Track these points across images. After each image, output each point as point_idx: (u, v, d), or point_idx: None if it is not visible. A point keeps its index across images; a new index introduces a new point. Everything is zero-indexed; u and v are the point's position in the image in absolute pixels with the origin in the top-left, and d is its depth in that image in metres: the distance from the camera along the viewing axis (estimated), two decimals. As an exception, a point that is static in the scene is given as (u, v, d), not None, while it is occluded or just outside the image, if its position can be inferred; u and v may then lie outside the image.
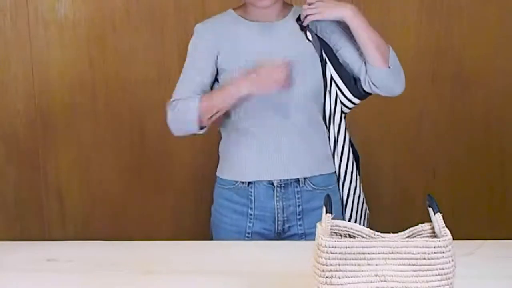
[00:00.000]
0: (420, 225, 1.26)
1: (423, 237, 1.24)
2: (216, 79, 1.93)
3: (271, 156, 1.90)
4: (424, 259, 1.16)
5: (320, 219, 1.25)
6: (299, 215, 1.93)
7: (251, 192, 1.93)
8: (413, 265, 1.16)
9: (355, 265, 1.16)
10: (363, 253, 1.16)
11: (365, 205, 2.04)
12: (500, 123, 2.82)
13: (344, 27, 1.89)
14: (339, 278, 1.16)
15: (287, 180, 1.91)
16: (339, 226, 1.27)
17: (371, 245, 1.17)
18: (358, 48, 1.88)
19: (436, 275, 1.16)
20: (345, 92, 1.92)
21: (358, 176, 2.00)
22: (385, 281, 1.16)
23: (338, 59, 1.91)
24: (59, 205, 2.97)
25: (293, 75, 1.84)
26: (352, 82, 1.92)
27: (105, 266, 1.61)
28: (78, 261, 1.65)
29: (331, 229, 1.24)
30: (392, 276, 1.16)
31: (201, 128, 1.89)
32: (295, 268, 1.44)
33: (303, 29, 1.89)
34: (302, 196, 1.92)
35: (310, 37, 1.89)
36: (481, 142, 2.83)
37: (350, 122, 2.06)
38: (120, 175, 2.93)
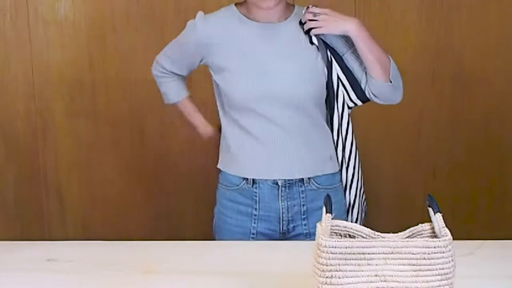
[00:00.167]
0: (420, 225, 1.26)
1: (423, 237, 1.23)
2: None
3: (276, 155, 1.89)
4: (424, 259, 1.16)
5: (324, 219, 1.25)
6: (303, 214, 1.93)
7: (255, 192, 1.92)
8: (413, 265, 1.16)
9: (355, 265, 1.16)
10: (363, 253, 1.16)
11: (365, 203, 2.06)
12: (500, 123, 2.82)
13: (346, 37, 1.89)
14: (339, 278, 1.16)
15: (292, 180, 1.91)
16: (339, 226, 1.27)
17: (371, 245, 1.17)
18: (360, 57, 1.88)
19: (436, 275, 1.16)
20: (350, 94, 1.92)
21: (361, 178, 2.01)
22: (385, 281, 1.16)
23: (344, 61, 1.91)
24: (59, 205, 2.97)
25: (295, 76, 1.85)
26: (359, 85, 1.92)
27: (105, 266, 1.61)
28: (78, 261, 1.65)
29: (331, 229, 1.24)
30: (392, 276, 1.16)
31: None
32: (297, 268, 1.43)
33: (307, 32, 1.89)
34: (306, 195, 1.92)
35: (314, 40, 1.88)
36: (481, 142, 2.83)
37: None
38: (120, 175, 2.93)
